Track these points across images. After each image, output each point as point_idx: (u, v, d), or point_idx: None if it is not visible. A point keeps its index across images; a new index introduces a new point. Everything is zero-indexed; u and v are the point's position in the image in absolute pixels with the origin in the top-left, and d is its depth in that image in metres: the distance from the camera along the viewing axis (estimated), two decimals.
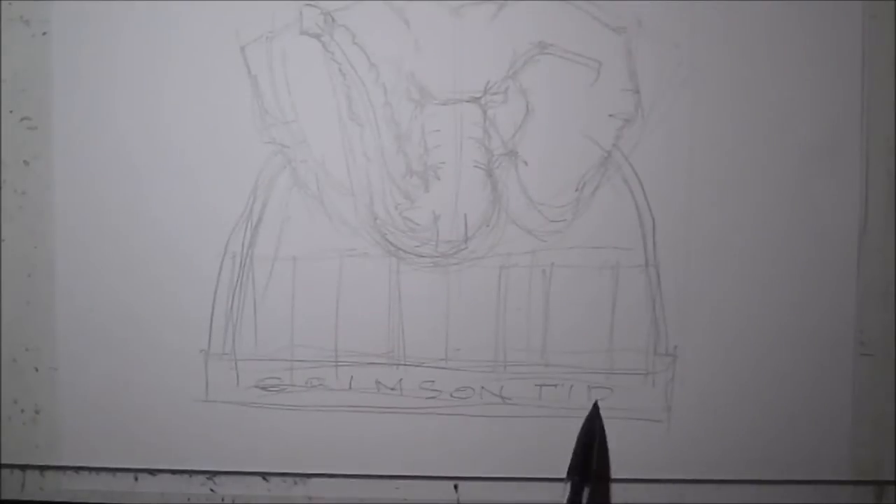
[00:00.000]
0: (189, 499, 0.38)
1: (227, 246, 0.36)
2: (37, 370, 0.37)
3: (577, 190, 0.36)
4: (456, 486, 0.38)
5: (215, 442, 0.37)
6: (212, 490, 0.38)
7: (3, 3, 0.36)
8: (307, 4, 0.35)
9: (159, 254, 0.36)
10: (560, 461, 0.37)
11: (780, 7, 0.36)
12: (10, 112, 0.36)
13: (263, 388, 0.37)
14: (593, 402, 0.37)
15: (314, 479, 0.38)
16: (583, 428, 0.35)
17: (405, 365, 0.37)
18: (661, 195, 0.36)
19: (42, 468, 0.37)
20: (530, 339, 0.37)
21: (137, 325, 0.37)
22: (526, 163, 0.36)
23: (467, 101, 0.36)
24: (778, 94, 0.36)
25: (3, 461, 0.37)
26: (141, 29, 0.35)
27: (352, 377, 0.37)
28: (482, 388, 0.37)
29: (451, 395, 0.37)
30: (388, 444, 0.37)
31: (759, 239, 0.36)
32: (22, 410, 0.37)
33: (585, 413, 0.37)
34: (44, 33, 0.36)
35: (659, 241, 0.36)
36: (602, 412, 0.37)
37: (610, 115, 0.36)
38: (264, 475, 0.38)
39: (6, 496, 0.37)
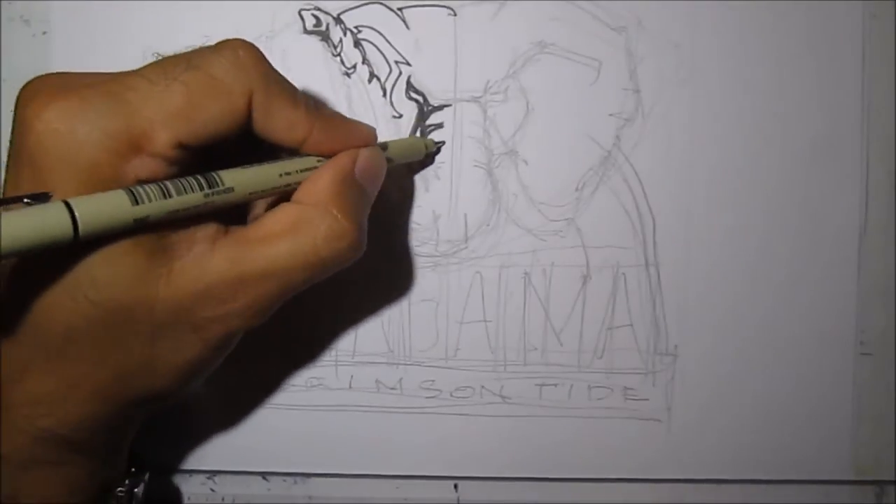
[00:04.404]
0: (189, 498, 0.38)
1: None
2: None
3: (577, 190, 0.36)
4: (456, 486, 0.38)
5: (215, 442, 0.37)
6: (212, 490, 0.38)
7: (3, 3, 0.36)
8: (307, 5, 0.35)
9: None
10: (560, 461, 0.37)
11: (780, 7, 0.36)
12: (11, 111, 0.36)
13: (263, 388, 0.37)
14: (591, 398, 0.37)
15: (314, 479, 0.38)
16: None
17: (405, 364, 0.37)
18: (661, 195, 0.36)
19: None
20: (530, 339, 0.37)
21: None
22: (526, 162, 0.36)
23: (467, 101, 0.36)
24: (778, 94, 0.36)
25: None
26: (141, 29, 0.35)
27: (352, 377, 0.37)
28: (482, 387, 0.37)
29: (451, 395, 0.37)
30: (388, 444, 0.37)
31: (759, 239, 0.37)
32: None
33: (585, 413, 0.37)
34: (44, 33, 0.36)
35: (659, 241, 0.36)
36: (602, 412, 0.37)
37: (610, 115, 0.36)
38: (264, 475, 0.38)
39: None
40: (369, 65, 0.36)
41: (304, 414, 0.37)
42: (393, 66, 0.36)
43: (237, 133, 0.26)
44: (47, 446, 0.26)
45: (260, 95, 0.26)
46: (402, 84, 0.36)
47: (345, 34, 0.35)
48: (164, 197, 0.24)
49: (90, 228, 0.22)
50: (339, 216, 0.27)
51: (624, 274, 0.37)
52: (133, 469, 0.32)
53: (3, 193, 0.25)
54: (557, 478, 0.37)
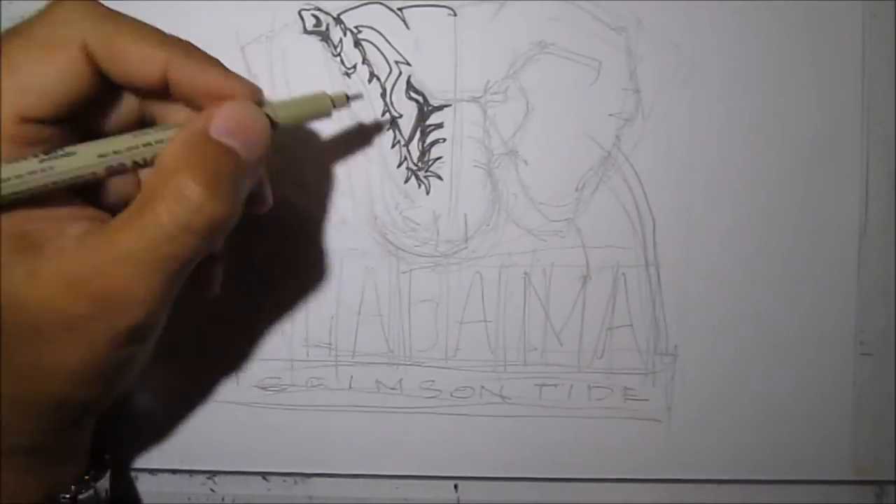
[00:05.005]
0: (189, 498, 0.38)
1: None
2: None
3: (577, 190, 0.36)
4: (456, 486, 0.38)
5: (215, 442, 0.37)
6: (212, 490, 0.38)
7: (3, 3, 0.36)
8: (307, 5, 0.35)
9: None
10: (560, 461, 0.37)
11: (780, 7, 0.36)
12: None
13: (263, 388, 0.37)
14: (591, 398, 0.37)
15: (314, 479, 0.38)
16: None
17: (405, 365, 0.37)
18: (661, 195, 0.36)
19: None
20: (530, 339, 0.37)
21: None
22: (526, 162, 0.36)
23: (467, 101, 0.36)
24: (778, 94, 0.36)
25: None
26: None
27: (352, 377, 0.37)
28: (482, 387, 0.37)
29: (451, 395, 0.37)
30: (388, 444, 0.37)
31: (759, 239, 0.37)
32: None
33: (585, 413, 0.37)
34: None
35: (659, 241, 0.36)
36: (602, 412, 0.37)
37: (610, 115, 0.36)
38: (264, 475, 0.38)
39: None
40: (369, 65, 0.36)
41: (304, 414, 0.37)
42: (393, 66, 0.36)
43: (92, 91, 0.25)
44: None
45: (96, 41, 0.24)
46: (402, 84, 0.36)
47: (345, 34, 0.35)
48: None
49: None
50: (187, 182, 0.24)
51: (624, 274, 0.37)
52: (92, 471, 0.31)
53: None
54: (557, 478, 0.37)
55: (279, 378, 0.37)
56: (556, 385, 0.37)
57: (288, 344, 0.37)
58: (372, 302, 0.37)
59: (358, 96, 0.34)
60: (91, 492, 0.31)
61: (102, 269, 0.24)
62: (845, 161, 0.36)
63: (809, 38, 0.36)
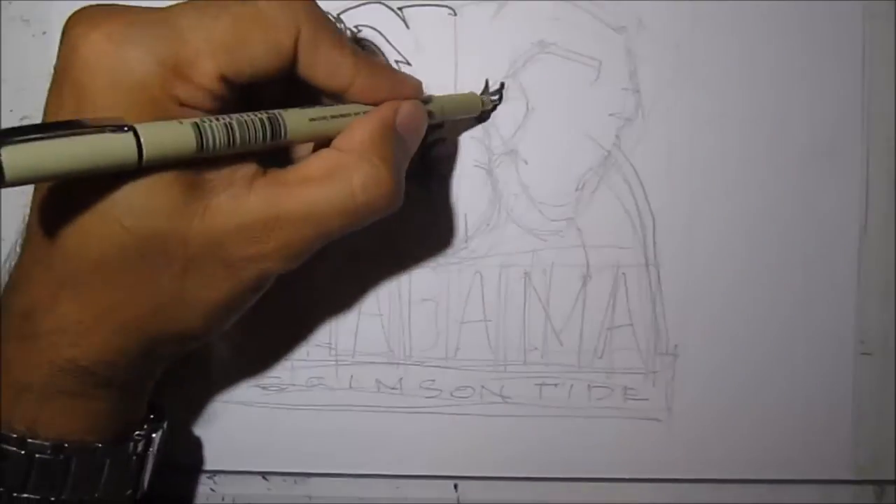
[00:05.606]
0: (189, 498, 0.38)
1: None
2: None
3: (577, 189, 0.36)
4: (456, 486, 0.38)
5: (215, 442, 0.37)
6: (212, 490, 0.38)
7: (3, 3, 0.36)
8: None
9: None
10: (560, 461, 0.37)
11: (780, 7, 0.36)
12: (10, 111, 0.36)
13: (263, 388, 0.37)
14: (591, 398, 0.37)
15: (314, 479, 0.38)
16: None
17: (405, 364, 0.37)
18: (661, 195, 0.36)
19: None
20: (530, 339, 0.37)
21: None
22: (526, 162, 0.36)
23: None
24: (778, 94, 0.36)
25: None
26: None
27: (352, 376, 0.37)
28: (482, 387, 0.37)
29: (451, 395, 0.37)
30: (388, 444, 0.37)
31: (759, 238, 0.37)
32: None
33: (585, 413, 0.37)
34: (44, 33, 0.36)
35: (659, 240, 0.37)
36: (602, 412, 0.37)
37: (610, 115, 0.36)
38: (264, 475, 0.38)
39: None
40: None
41: (304, 414, 0.37)
42: (393, 65, 0.36)
43: (279, 74, 0.26)
44: (70, 378, 0.26)
45: (307, 35, 0.26)
46: None
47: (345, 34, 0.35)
48: (229, 142, 0.24)
49: (154, 158, 0.23)
50: (379, 164, 0.27)
51: (624, 274, 0.37)
52: (152, 416, 0.32)
53: (44, 116, 0.25)
54: (557, 478, 0.37)
55: (279, 378, 0.37)
56: (556, 385, 0.37)
57: (288, 343, 0.37)
58: (372, 301, 0.37)
59: (498, 101, 0.36)
60: (160, 432, 0.32)
61: (277, 220, 0.26)
62: (845, 161, 0.36)
63: (809, 38, 0.36)
